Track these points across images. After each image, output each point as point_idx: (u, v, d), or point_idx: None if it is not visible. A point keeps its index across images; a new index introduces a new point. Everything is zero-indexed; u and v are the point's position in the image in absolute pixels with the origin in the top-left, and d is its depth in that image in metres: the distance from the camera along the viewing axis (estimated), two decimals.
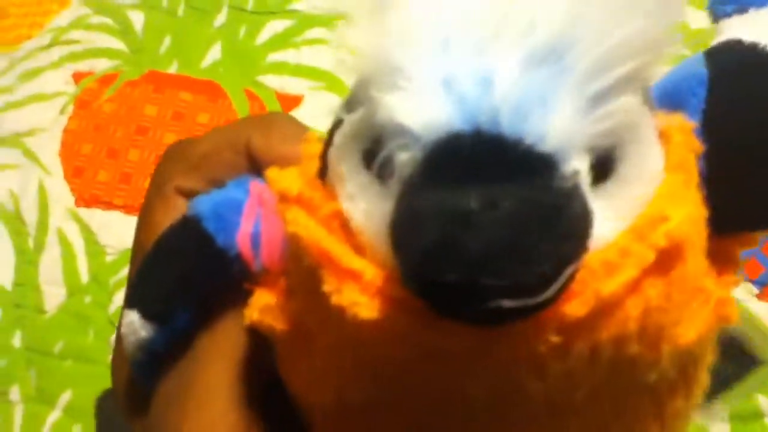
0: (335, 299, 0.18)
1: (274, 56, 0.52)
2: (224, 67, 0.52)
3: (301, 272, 0.20)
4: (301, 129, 0.29)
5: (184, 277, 0.26)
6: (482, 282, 0.15)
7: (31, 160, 0.49)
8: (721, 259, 0.21)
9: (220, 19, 0.54)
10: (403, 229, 0.16)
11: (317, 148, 0.21)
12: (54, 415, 0.42)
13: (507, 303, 0.15)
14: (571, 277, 0.16)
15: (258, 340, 0.23)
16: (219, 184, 0.28)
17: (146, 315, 0.26)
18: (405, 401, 0.19)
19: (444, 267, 0.15)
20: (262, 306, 0.22)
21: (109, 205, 0.47)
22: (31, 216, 0.47)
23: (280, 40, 0.53)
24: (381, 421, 0.20)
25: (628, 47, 0.17)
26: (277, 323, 0.22)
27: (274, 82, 0.51)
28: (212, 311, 0.26)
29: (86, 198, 0.48)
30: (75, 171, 0.49)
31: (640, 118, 0.18)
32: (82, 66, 0.53)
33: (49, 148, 0.50)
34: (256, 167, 0.28)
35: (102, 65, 0.52)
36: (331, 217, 0.19)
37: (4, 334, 0.44)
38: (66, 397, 0.42)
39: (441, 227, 0.15)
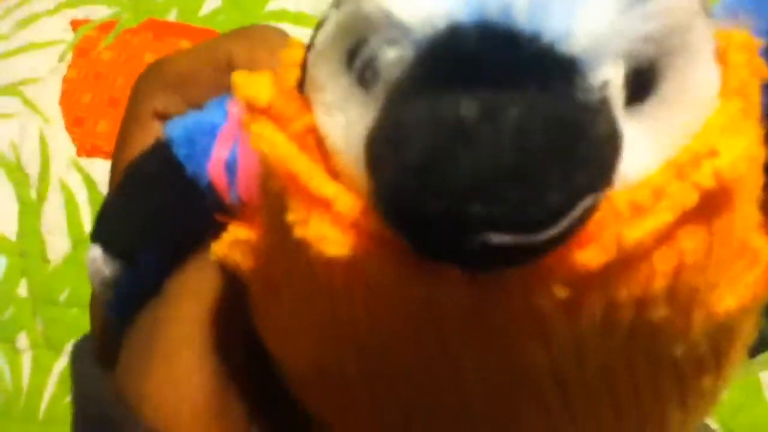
0: (299, 231, 0.15)
1: (274, 4, 0.51)
2: (224, 14, 0.51)
3: (268, 199, 0.17)
4: (289, 40, 0.26)
5: (150, 210, 0.23)
6: (468, 210, 0.12)
7: (30, 109, 0.49)
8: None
9: None
10: (380, 144, 0.13)
11: (299, 54, 0.18)
12: (62, 362, 0.43)
13: (498, 238, 0.12)
14: (587, 216, 0.13)
15: (237, 284, 0.20)
16: (200, 105, 0.25)
17: (109, 252, 0.23)
18: (387, 374, 0.17)
19: (423, 191, 0.12)
20: (232, 240, 0.19)
21: (110, 155, 0.47)
22: (32, 166, 0.47)
23: None
24: (363, 401, 0.17)
25: None
26: (244, 260, 0.19)
27: None
28: (186, 250, 0.23)
29: (87, 148, 0.48)
30: (75, 120, 0.49)
31: (694, 24, 0.15)
32: (80, 13, 0.52)
33: (48, 96, 0.49)
34: None
35: (100, 12, 0.52)
36: (306, 132, 0.16)
37: (10, 284, 0.45)
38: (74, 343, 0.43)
39: (424, 141, 0.12)
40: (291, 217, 0.15)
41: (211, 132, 0.23)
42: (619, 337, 0.15)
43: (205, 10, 0.52)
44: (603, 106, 0.13)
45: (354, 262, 0.14)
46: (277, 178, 0.16)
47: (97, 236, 0.24)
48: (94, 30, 0.51)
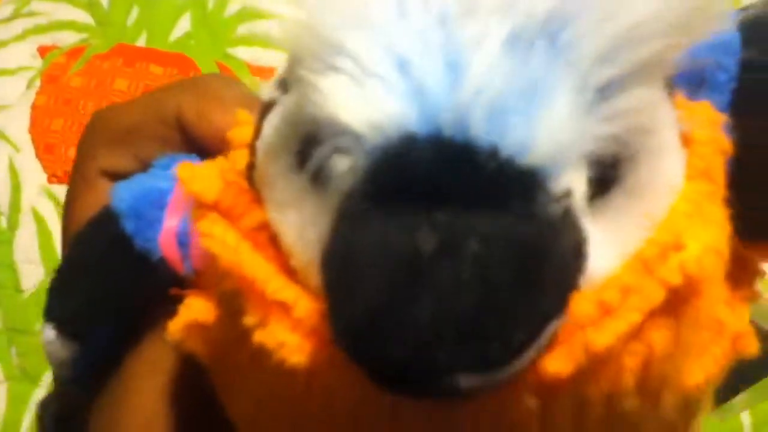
0: (259, 336, 0.14)
1: (245, 28, 0.52)
2: (194, 38, 0.51)
3: (223, 296, 0.16)
4: (242, 92, 0.24)
5: (101, 287, 0.23)
6: (432, 356, 0.11)
7: None
8: (737, 267, 0.17)
9: None
10: (337, 274, 0.12)
11: (248, 133, 0.17)
12: (39, 393, 0.42)
13: (466, 381, 0.12)
14: (556, 334, 0.13)
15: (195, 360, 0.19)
16: (148, 161, 0.24)
17: (63, 333, 0.23)
18: None
19: (383, 337, 0.11)
20: (187, 323, 0.18)
21: None
22: (2, 195, 0.47)
23: (250, 11, 0.52)
24: None
25: (647, 25, 0.13)
26: (201, 347, 0.18)
27: (245, 54, 0.50)
28: (140, 324, 0.23)
29: (59, 175, 0.47)
30: (46, 147, 0.48)
31: (659, 117, 0.14)
32: (47, 39, 0.52)
33: (17, 124, 0.49)
34: (190, 140, 0.24)
35: (68, 39, 0.51)
36: (258, 229, 0.15)
37: None
38: (50, 374, 0.42)
39: (379, 279, 0.11)
40: (249, 320, 0.14)
41: (160, 201, 0.22)
42: (593, 428, 0.14)
43: (175, 34, 0.52)
44: (566, 218, 0.12)
45: (314, 371, 0.14)
46: (230, 278, 0.15)
47: (49, 316, 0.24)
48: (62, 56, 0.51)
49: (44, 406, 0.40)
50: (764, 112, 0.16)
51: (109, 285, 0.23)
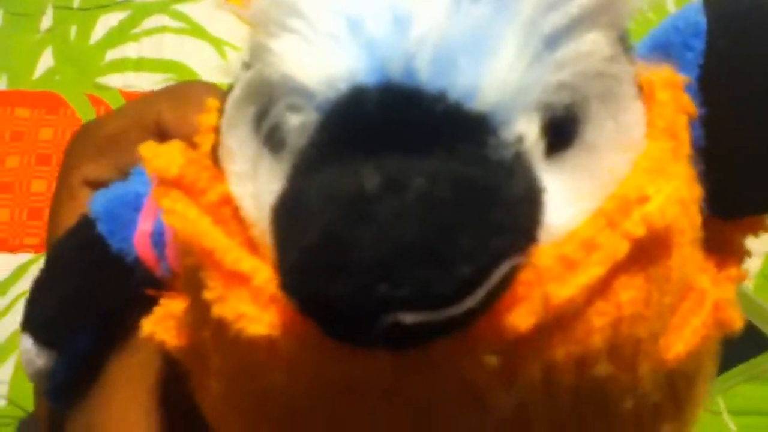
0: (217, 309, 0.14)
1: (113, 53, 0.48)
2: (60, 73, 0.48)
3: (186, 275, 0.17)
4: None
5: (78, 293, 0.22)
6: (373, 291, 0.11)
7: None
8: (721, 248, 0.17)
9: (46, 21, 0.49)
10: (282, 223, 0.12)
11: (214, 118, 0.17)
12: None
13: (408, 317, 0.11)
14: (510, 280, 0.12)
15: (174, 359, 0.19)
16: (129, 169, 0.24)
17: (40, 341, 0.23)
18: None
19: (325, 274, 0.11)
20: (160, 316, 0.18)
21: None
22: None
23: (117, 35, 0.49)
24: None
25: None
26: (170, 337, 0.18)
27: (117, 81, 0.47)
28: (120, 328, 0.23)
29: None
30: None
31: (613, 67, 0.14)
32: None
33: None
34: None
35: None
36: (220, 203, 0.15)
37: None
38: None
39: (324, 218, 0.11)
40: (208, 294, 0.14)
41: (135, 203, 0.22)
42: (565, 398, 0.14)
43: (38, 72, 0.48)
44: (518, 163, 0.12)
45: (274, 340, 0.13)
46: (191, 254, 0.15)
47: (26, 325, 0.23)
48: None
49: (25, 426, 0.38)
50: (730, 84, 0.17)
51: (84, 288, 0.23)
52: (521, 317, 0.13)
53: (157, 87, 0.47)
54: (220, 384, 0.16)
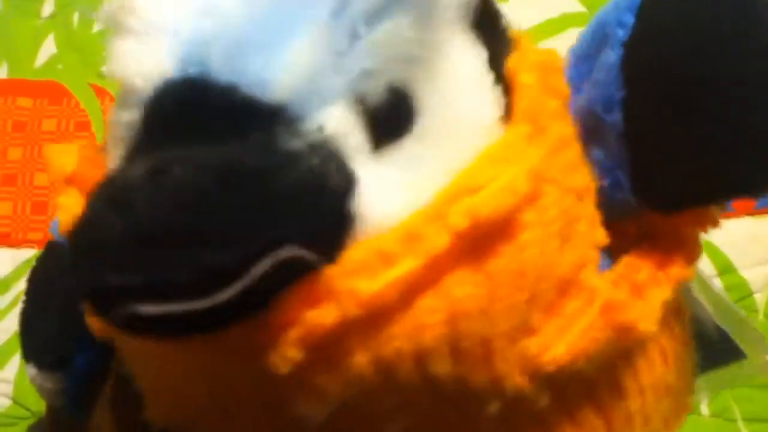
0: None
1: None
2: (62, 62, 0.46)
3: None
4: None
5: (63, 314, 0.23)
6: (106, 281, 0.11)
7: None
8: (665, 245, 0.16)
9: (48, 8, 0.48)
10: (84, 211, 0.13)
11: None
12: None
13: (146, 308, 0.11)
14: (289, 273, 0.12)
15: None
16: None
17: (43, 367, 0.24)
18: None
19: (80, 263, 0.11)
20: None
21: None
22: None
23: None
24: None
25: None
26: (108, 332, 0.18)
27: None
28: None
29: None
30: None
31: (441, 49, 0.14)
32: None
33: None
34: None
35: None
36: None
37: None
38: None
39: (90, 209, 0.12)
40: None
41: None
42: (421, 398, 0.13)
43: (40, 60, 0.47)
44: (312, 153, 0.12)
45: None
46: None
47: (26, 355, 0.24)
48: None
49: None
50: (653, 63, 0.15)
51: (72, 308, 0.22)
52: (326, 313, 0.12)
53: None
54: (128, 352, 0.17)
